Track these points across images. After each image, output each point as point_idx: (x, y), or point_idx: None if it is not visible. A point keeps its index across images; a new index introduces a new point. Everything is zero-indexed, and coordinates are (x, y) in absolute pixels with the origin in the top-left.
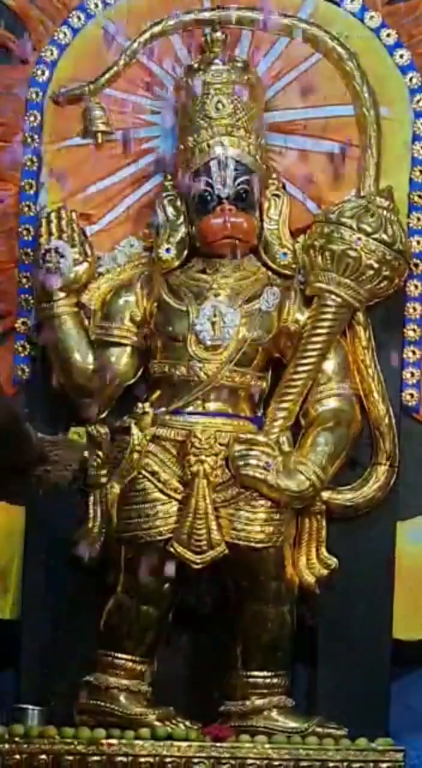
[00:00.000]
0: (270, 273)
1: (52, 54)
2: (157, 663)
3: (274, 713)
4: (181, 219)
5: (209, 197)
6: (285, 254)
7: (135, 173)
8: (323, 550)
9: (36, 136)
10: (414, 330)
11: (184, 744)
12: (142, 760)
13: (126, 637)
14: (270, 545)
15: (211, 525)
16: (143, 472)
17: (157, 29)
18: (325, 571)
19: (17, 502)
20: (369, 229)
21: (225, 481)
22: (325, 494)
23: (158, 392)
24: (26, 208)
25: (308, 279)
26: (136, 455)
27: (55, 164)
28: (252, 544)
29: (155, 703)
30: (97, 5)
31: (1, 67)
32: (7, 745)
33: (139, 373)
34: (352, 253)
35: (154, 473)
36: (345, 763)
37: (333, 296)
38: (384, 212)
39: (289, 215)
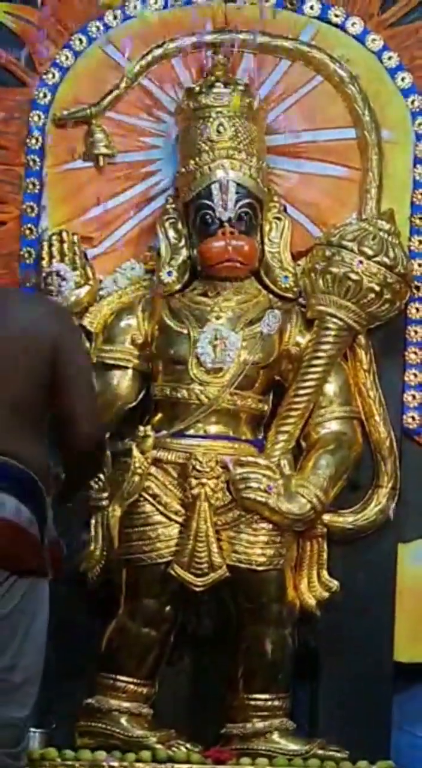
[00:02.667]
0: (271, 296)
1: (53, 77)
2: (159, 685)
3: (275, 736)
4: (183, 242)
5: (210, 220)
6: (286, 277)
7: (136, 196)
8: (324, 572)
9: (38, 159)
10: (415, 353)
11: (185, 766)
12: None
13: (127, 660)
14: (272, 568)
15: (212, 548)
16: (144, 494)
17: (158, 52)
18: (326, 594)
19: None
20: (370, 252)
21: (226, 504)
22: (326, 517)
23: (159, 415)
24: (28, 231)
25: (309, 302)
26: (137, 478)
27: (57, 187)
28: (254, 567)
29: (156, 725)
30: (98, 28)
31: (2, 90)
32: None
33: (141, 395)
34: (353, 276)
35: (155, 496)
36: None
37: (334, 319)
38: (386, 235)
39: (290, 238)
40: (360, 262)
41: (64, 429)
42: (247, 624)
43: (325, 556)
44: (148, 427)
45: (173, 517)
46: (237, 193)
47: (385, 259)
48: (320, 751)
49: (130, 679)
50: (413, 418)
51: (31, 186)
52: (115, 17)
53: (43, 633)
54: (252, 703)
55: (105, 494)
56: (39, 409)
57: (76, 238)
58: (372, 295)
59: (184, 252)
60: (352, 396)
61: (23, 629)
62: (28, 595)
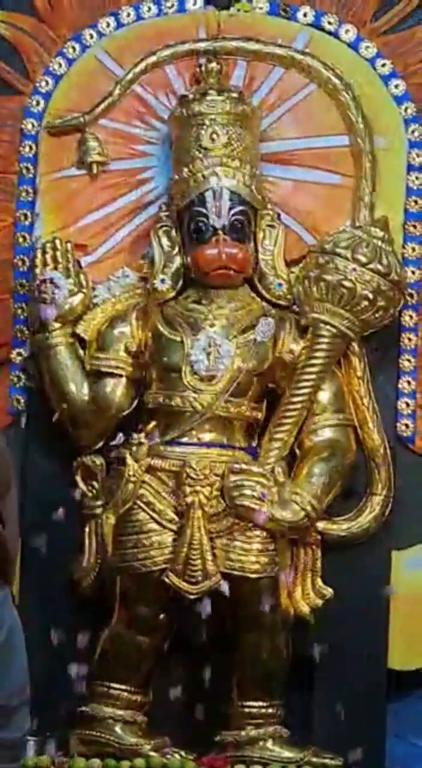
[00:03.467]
0: (264, 303)
1: (46, 84)
2: (153, 693)
3: (269, 743)
4: (176, 250)
5: (204, 228)
6: (280, 285)
7: (130, 204)
8: (318, 580)
9: (31, 167)
10: (409, 360)
11: None
12: None
13: (121, 668)
14: (265, 575)
15: (206, 555)
16: (138, 502)
17: (151, 60)
18: (320, 602)
19: None
20: (363, 260)
21: (220, 512)
22: (321, 524)
23: (153, 423)
24: (21, 239)
25: (303, 309)
26: (131, 486)
27: (50, 195)
28: (248, 575)
29: (151, 733)
30: (91, 36)
31: None
32: None
33: (134, 403)
34: (347, 284)
35: (149, 504)
36: None
37: (328, 326)
38: (379, 242)
39: (284, 246)
40: (354, 269)
41: None
42: (241, 632)
43: (319, 563)
44: (142, 435)
45: (167, 524)
46: (230, 200)
47: (379, 267)
48: (314, 759)
49: (125, 687)
50: (407, 425)
51: (24, 194)
52: (108, 24)
53: (25, 649)
54: (247, 710)
55: (98, 502)
56: None
57: (69, 245)
58: (366, 303)
59: (178, 260)
60: (346, 403)
61: (13, 648)
62: (12, 610)
